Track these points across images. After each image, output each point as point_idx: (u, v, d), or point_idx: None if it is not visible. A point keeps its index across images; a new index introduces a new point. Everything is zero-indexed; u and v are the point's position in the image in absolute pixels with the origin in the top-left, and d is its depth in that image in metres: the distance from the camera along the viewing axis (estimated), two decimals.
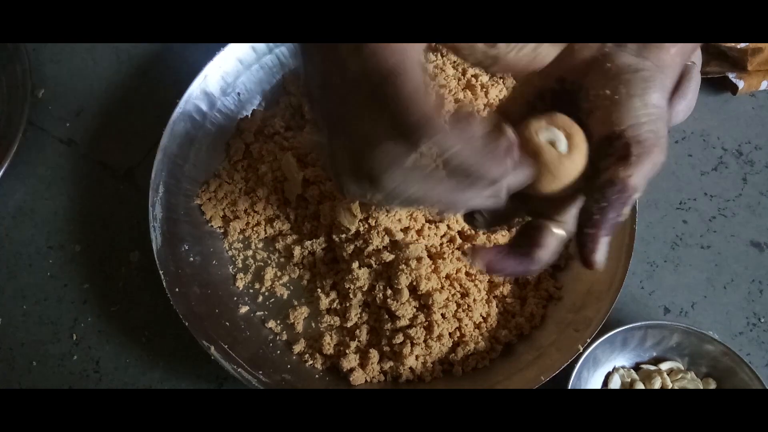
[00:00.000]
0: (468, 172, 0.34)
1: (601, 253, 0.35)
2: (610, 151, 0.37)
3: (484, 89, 0.60)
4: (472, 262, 0.39)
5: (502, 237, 0.57)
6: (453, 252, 0.55)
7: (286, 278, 0.58)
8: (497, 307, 0.55)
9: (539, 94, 0.41)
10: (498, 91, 0.61)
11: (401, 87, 0.33)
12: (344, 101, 0.37)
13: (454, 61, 0.62)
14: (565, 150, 0.36)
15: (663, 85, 0.37)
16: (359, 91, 0.35)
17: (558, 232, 0.39)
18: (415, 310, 0.54)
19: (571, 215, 0.38)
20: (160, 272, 0.53)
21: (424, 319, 0.53)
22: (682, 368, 0.54)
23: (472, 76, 0.61)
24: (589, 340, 0.50)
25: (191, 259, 0.57)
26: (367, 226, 0.55)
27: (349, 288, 0.55)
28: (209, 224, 0.59)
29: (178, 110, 0.58)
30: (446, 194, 0.35)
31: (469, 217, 0.41)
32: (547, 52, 0.43)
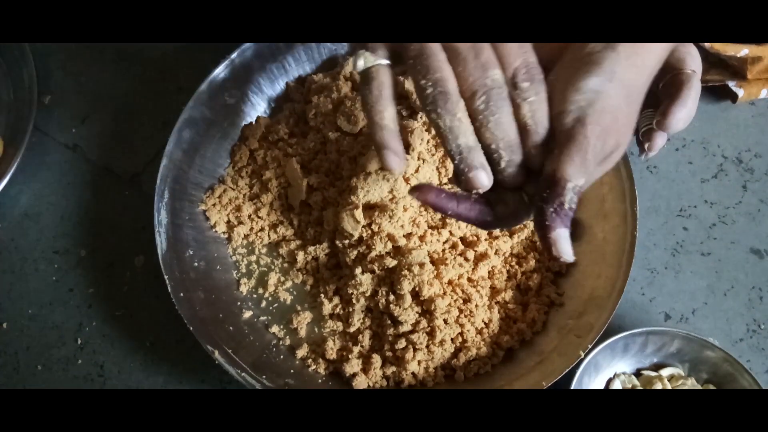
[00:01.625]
0: None
1: (560, 245, 0.35)
2: (550, 143, 0.36)
3: None
4: (416, 197, 0.39)
5: (503, 243, 0.57)
6: (455, 258, 0.55)
7: (289, 283, 0.59)
8: (499, 312, 0.56)
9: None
10: None
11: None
12: None
13: None
14: None
15: (613, 69, 0.36)
16: None
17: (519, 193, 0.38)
18: (417, 315, 0.54)
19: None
20: (165, 277, 0.54)
21: (426, 325, 0.54)
22: (683, 374, 0.55)
23: None
24: (590, 346, 0.51)
25: (195, 264, 0.57)
26: (370, 231, 0.55)
27: (352, 293, 0.55)
28: (213, 230, 0.60)
29: (183, 116, 0.59)
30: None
31: (466, 217, 0.41)
32: None
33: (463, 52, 0.36)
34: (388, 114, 0.38)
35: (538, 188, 0.36)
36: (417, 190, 0.40)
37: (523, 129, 0.36)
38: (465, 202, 0.39)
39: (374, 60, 0.39)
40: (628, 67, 0.36)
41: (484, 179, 0.36)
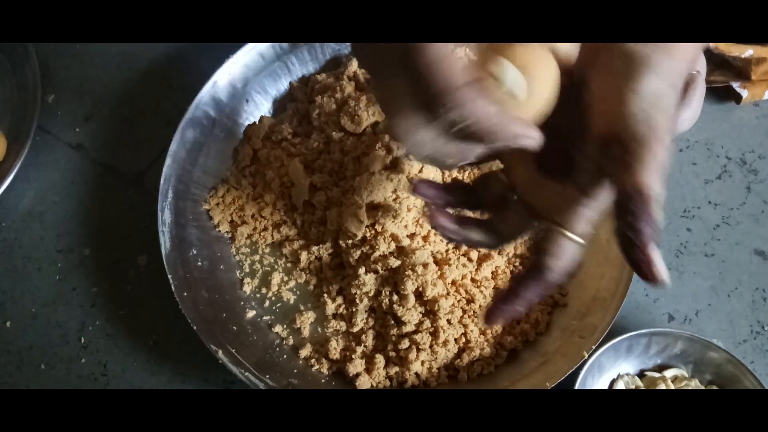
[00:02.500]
0: (482, 138, 0.34)
1: (657, 268, 0.33)
2: (611, 154, 0.34)
3: None
4: (487, 324, 0.39)
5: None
6: (459, 258, 0.55)
7: (292, 283, 0.59)
8: None
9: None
10: None
11: (424, 55, 0.33)
12: (380, 59, 0.37)
13: None
14: (513, 86, 0.34)
15: (664, 69, 0.34)
16: (391, 53, 0.35)
17: (569, 236, 0.37)
18: (420, 315, 0.54)
19: (581, 216, 0.37)
20: (169, 276, 0.54)
21: (429, 325, 0.54)
22: (686, 375, 0.55)
23: None
24: (594, 347, 0.51)
25: (199, 263, 0.57)
26: (373, 231, 0.55)
27: (356, 293, 0.55)
28: (217, 229, 0.60)
29: (187, 116, 0.59)
30: (458, 152, 0.36)
31: (474, 242, 0.42)
32: None
33: None
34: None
35: (616, 212, 0.34)
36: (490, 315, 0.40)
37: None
38: (469, 227, 0.41)
39: None
40: (675, 69, 0.34)
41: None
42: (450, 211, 0.44)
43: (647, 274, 0.33)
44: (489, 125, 0.33)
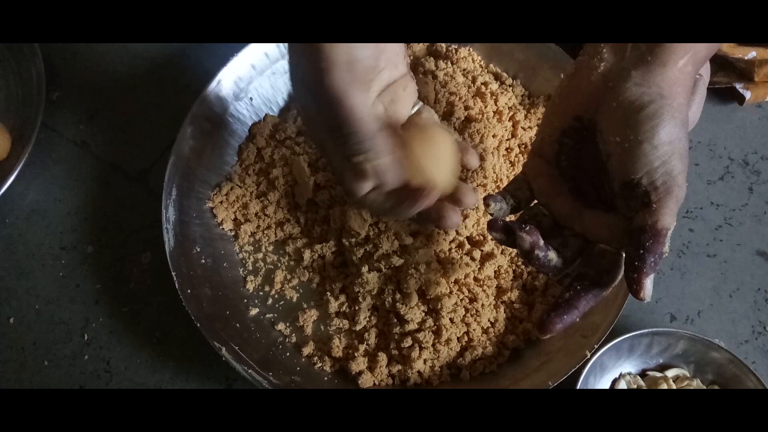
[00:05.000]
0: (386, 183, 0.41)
1: (647, 291, 0.37)
2: (633, 196, 0.38)
3: (494, 97, 0.61)
4: (543, 334, 0.42)
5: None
6: (462, 257, 0.56)
7: (295, 281, 0.59)
8: (505, 312, 0.56)
9: (564, 132, 0.42)
10: (507, 99, 0.61)
11: (348, 112, 0.38)
12: (317, 127, 0.42)
13: (464, 69, 0.63)
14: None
15: (673, 114, 0.37)
16: (324, 117, 0.40)
17: (622, 256, 0.40)
18: (423, 314, 0.54)
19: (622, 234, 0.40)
20: (173, 273, 0.54)
21: (432, 324, 0.54)
22: (688, 375, 0.55)
23: (482, 83, 0.62)
24: (596, 346, 0.51)
25: (203, 261, 0.57)
26: (376, 230, 0.55)
27: (359, 291, 0.55)
28: (220, 227, 0.60)
29: (191, 114, 0.59)
30: (394, 213, 0.43)
31: (551, 265, 0.43)
32: None
33: None
34: None
35: (630, 242, 0.38)
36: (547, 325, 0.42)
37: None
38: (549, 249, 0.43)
39: None
40: (681, 106, 0.37)
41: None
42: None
43: (635, 293, 0.38)
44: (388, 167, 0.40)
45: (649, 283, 0.37)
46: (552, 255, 0.42)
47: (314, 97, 0.39)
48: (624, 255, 0.40)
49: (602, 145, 0.39)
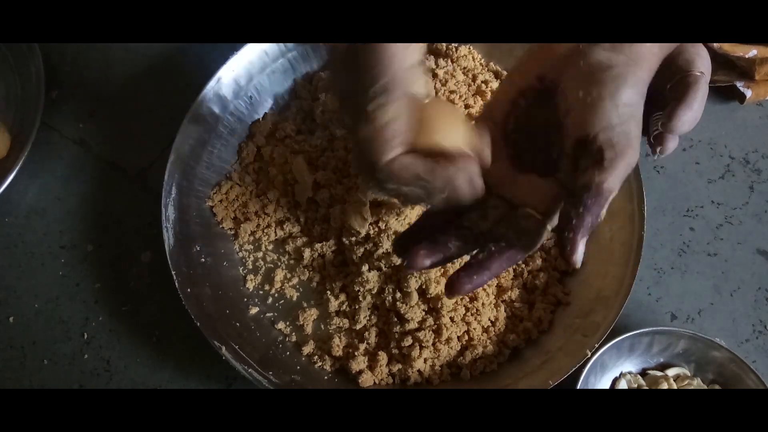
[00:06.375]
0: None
1: (579, 254, 0.37)
2: (585, 154, 0.38)
3: None
4: (451, 294, 0.41)
5: None
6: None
7: (295, 280, 0.59)
8: (505, 311, 0.56)
9: (521, 91, 0.42)
10: None
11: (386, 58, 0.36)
12: (346, 77, 0.39)
13: (464, 67, 0.63)
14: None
15: (636, 81, 0.37)
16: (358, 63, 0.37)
17: (546, 224, 0.40)
18: (423, 313, 0.54)
19: (557, 206, 0.40)
20: (173, 272, 0.54)
21: (432, 323, 0.54)
22: (689, 374, 0.55)
23: (482, 82, 0.62)
24: (596, 345, 0.51)
25: (203, 260, 0.57)
26: (377, 229, 0.55)
27: (359, 290, 0.55)
28: (220, 226, 0.60)
29: (191, 113, 0.59)
30: (413, 195, 0.39)
31: (459, 255, 0.43)
32: None
33: None
34: None
35: (571, 199, 0.37)
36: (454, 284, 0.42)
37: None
38: (447, 245, 0.42)
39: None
40: (643, 79, 0.38)
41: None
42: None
43: (568, 255, 0.37)
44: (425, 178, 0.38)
45: (581, 247, 0.37)
46: (455, 251, 0.42)
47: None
48: (547, 223, 0.40)
49: (562, 102, 0.39)
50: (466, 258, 0.44)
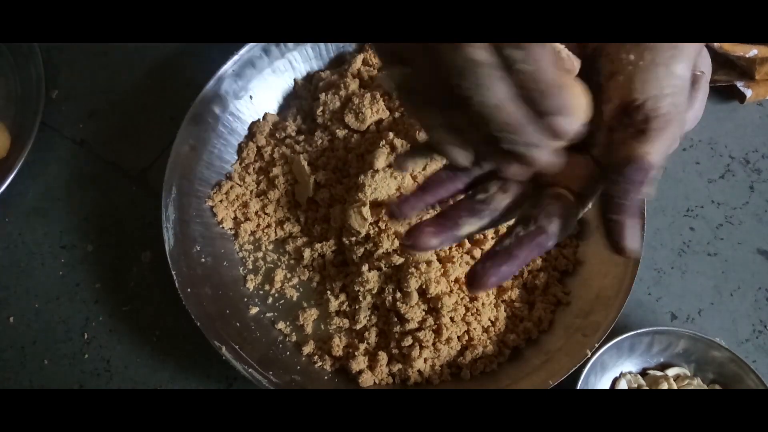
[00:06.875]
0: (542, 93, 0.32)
1: (632, 239, 0.32)
2: (627, 122, 0.34)
3: None
4: (475, 289, 0.34)
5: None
6: (462, 256, 0.55)
7: (295, 280, 0.59)
8: (505, 311, 0.56)
9: None
10: None
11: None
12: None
13: None
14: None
15: (689, 56, 0.35)
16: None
17: (579, 205, 0.35)
18: (424, 313, 0.54)
19: (593, 187, 0.35)
20: (173, 272, 0.54)
21: (432, 323, 0.54)
22: (689, 374, 0.55)
23: None
24: (597, 345, 0.51)
25: (203, 260, 0.57)
26: (377, 229, 0.55)
27: (359, 290, 0.55)
28: (220, 226, 0.60)
29: (191, 113, 0.59)
30: (515, 116, 0.32)
31: (471, 234, 0.37)
32: None
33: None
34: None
35: (611, 175, 0.33)
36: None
37: (526, 102, 0.32)
38: (458, 223, 0.36)
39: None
40: (693, 57, 0.35)
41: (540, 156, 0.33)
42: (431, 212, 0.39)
43: (618, 246, 0.32)
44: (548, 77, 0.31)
45: (633, 231, 0.32)
46: (467, 228, 0.36)
47: None
48: (580, 206, 0.35)
49: (607, 65, 0.36)
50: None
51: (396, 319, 0.55)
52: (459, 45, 0.32)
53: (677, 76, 0.34)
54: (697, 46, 0.36)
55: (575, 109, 0.33)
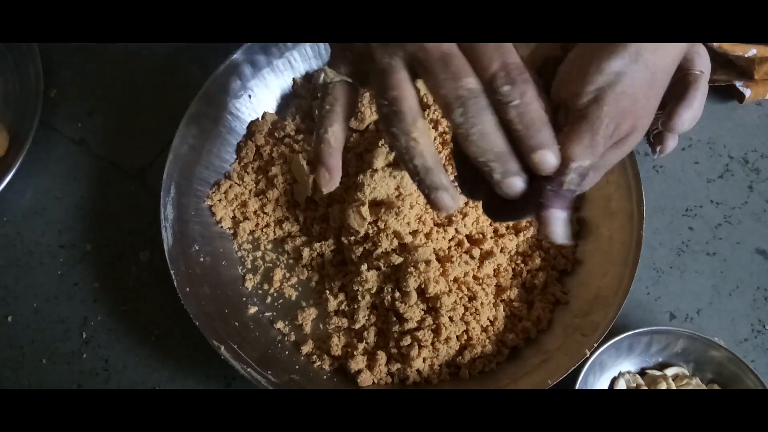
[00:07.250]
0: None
1: (552, 226, 0.33)
2: (557, 120, 0.35)
3: None
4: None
5: (509, 241, 0.57)
6: (461, 256, 0.56)
7: (294, 280, 0.59)
8: (504, 310, 0.56)
9: (545, 61, 0.40)
10: None
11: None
12: None
13: None
14: None
15: (637, 48, 0.35)
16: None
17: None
18: (422, 312, 0.54)
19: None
20: (171, 272, 0.54)
21: (431, 322, 0.54)
22: (688, 374, 0.55)
23: None
24: (595, 345, 0.51)
25: (201, 259, 0.57)
26: (376, 228, 0.55)
27: (358, 290, 0.55)
28: (219, 225, 0.60)
29: (189, 112, 0.59)
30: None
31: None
32: None
33: (431, 65, 0.34)
34: (333, 130, 0.38)
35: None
36: None
37: (513, 135, 0.33)
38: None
39: (334, 76, 0.38)
40: (654, 49, 0.35)
41: (446, 200, 0.34)
42: None
43: (542, 231, 0.34)
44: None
45: (553, 219, 0.33)
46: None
47: None
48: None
49: (560, 66, 0.37)
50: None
51: (395, 319, 0.55)
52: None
53: (608, 72, 0.34)
54: (654, 47, 0.36)
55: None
